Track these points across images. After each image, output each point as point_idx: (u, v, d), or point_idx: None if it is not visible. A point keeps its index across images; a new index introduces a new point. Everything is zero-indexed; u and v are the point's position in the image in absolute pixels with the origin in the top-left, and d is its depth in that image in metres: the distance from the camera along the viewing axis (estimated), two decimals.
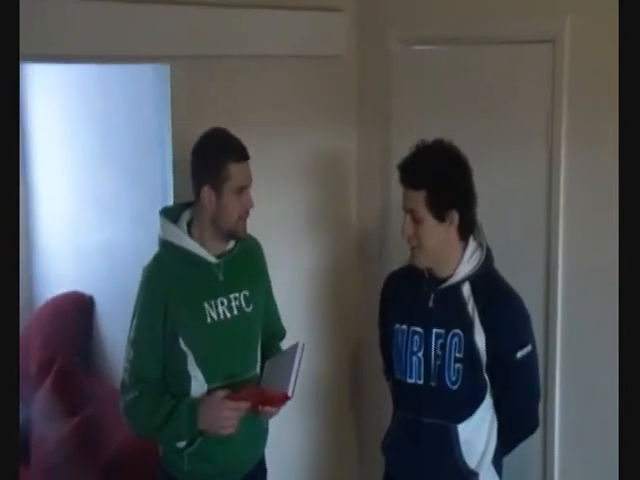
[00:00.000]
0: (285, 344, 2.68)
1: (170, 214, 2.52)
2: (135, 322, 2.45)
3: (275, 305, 2.73)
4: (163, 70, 2.94)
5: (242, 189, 2.42)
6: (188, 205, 2.53)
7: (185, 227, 2.49)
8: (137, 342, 2.43)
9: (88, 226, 4.48)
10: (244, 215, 2.45)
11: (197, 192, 2.44)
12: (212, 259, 2.46)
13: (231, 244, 2.52)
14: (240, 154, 2.42)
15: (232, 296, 2.49)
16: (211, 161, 2.41)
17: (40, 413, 4.11)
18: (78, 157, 4.54)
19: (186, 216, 2.51)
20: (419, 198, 2.33)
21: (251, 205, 2.46)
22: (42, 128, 5.02)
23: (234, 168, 2.40)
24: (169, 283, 2.44)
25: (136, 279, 2.49)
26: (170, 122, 2.94)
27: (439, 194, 2.32)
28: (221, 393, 2.39)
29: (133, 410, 2.44)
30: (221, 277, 2.47)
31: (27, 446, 4.00)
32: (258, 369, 2.57)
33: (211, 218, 2.43)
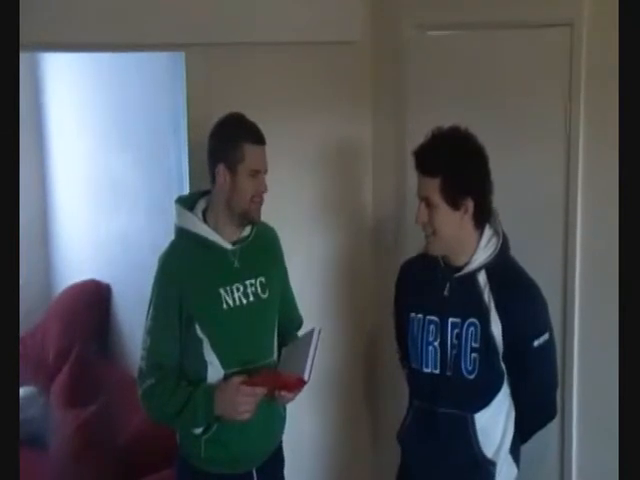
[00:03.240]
0: (301, 333, 2.68)
1: (186, 202, 2.54)
2: (151, 310, 2.46)
3: (292, 293, 2.73)
4: (178, 57, 2.94)
5: (256, 173, 2.44)
6: (204, 194, 2.55)
7: (200, 214, 2.50)
8: (153, 330, 2.44)
9: (105, 214, 4.50)
10: (257, 198, 2.45)
11: (213, 175, 2.46)
12: (227, 245, 2.47)
13: (247, 231, 2.52)
14: (256, 137, 2.44)
15: (248, 282, 2.49)
16: (227, 141, 2.43)
17: (57, 400, 4.14)
18: (95, 145, 4.56)
19: (202, 204, 2.52)
20: (434, 185, 2.31)
21: (264, 189, 2.46)
22: (59, 116, 5.04)
23: (249, 149, 2.42)
24: (184, 269, 2.45)
25: (153, 267, 2.50)
26: (186, 109, 2.94)
27: (454, 181, 2.30)
28: (237, 379, 2.39)
29: (150, 397, 2.45)
30: (236, 263, 2.48)
31: (45, 433, 4.04)
32: (275, 356, 2.57)
33: (225, 199, 2.45)
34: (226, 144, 2.43)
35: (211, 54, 2.89)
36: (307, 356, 2.39)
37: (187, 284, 2.43)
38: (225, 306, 2.45)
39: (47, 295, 5.14)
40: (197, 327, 2.42)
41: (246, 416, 2.38)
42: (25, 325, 4.31)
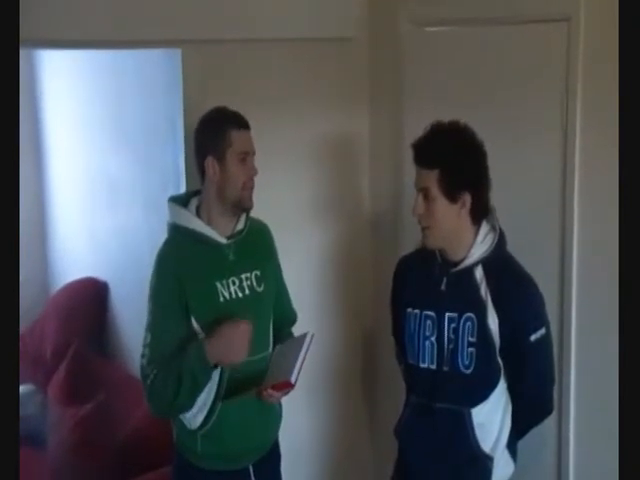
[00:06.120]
0: (298, 329, 2.68)
1: (179, 201, 2.55)
2: (150, 306, 2.45)
3: (286, 289, 2.73)
4: (174, 54, 2.94)
5: (245, 156, 2.45)
6: (196, 193, 2.55)
7: (194, 211, 2.51)
8: (153, 325, 2.43)
9: (102, 212, 4.51)
10: (249, 183, 2.46)
11: (202, 172, 2.47)
12: (222, 239, 2.48)
13: (241, 224, 2.53)
14: (240, 122, 2.46)
15: (243, 276, 2.50)
16: (212, 132, 2.45)
17: (55, 398, 4.14)
18: (91, 142, 4.56)
19: (194, 202, 2.53)
20: (432, 176, 2.31)
21: (255, 172, 2.47)
22: (55, 113, 5.04)
23: (235, 134, 2.43)
24: (181, 264, 2.45)
25: (150, 265, 2.49)
26: (182, 106, 2.94)
27: (452, 174, 2.30)
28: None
29: (154, 388, 2.40)
30: (232, 257, 2.48)
31: (42, 430, 4.03)
32: (271, 349, 2.57)
33: (217, 190, 2.45)
34: (212, 135, 2.44)
35: (207, 51, 2.89)
36: (296, 359, 2.40)
37: (184, 278, 2.42)
38: (222, 299, 2.45)
39: (45, 293, 5.14)
40: (193, 320, 2.42)
41: (243, 354, 2.34)
42: (24, 323, 4.31)
